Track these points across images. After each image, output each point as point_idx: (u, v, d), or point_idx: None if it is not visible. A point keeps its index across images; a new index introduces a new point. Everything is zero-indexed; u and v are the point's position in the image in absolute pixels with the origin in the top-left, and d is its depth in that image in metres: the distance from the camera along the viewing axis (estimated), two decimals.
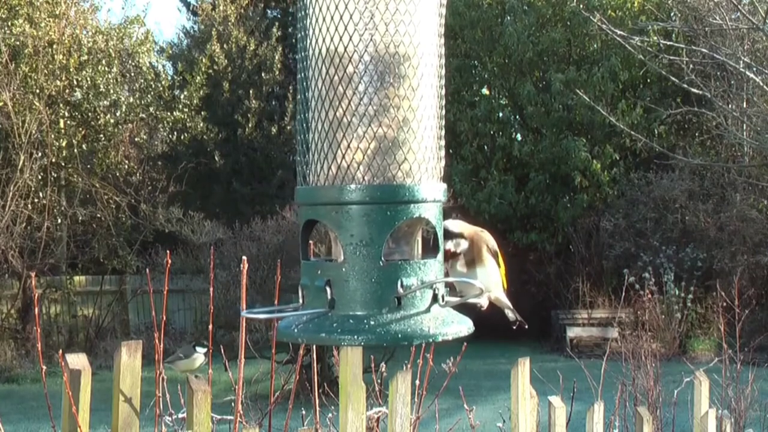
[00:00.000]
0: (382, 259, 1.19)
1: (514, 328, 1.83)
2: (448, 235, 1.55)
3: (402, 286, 1.19)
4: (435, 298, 1.22)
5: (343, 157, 1.20)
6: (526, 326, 1.79)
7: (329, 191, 1.21)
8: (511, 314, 1.82)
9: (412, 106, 1.21)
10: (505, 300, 1.77)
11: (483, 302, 1.56)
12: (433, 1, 1.24)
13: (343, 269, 1.19)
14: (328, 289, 1.19)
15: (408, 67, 1.21)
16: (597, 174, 14.33)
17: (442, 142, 1.27)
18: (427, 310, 1.21)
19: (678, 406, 4.04)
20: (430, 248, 1.28)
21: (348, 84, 1.20)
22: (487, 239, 1.68)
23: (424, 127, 1.23)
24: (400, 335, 1.17)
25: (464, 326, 1.23)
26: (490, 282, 1.67)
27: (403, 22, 1.20)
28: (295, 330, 1.21)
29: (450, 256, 1.57)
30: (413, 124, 1.21)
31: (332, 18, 1.20)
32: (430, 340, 1.19)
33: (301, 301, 1.24)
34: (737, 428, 4.60)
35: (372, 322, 1.17)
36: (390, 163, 1.20)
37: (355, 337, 1.17)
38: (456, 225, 1.65)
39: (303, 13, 1.26)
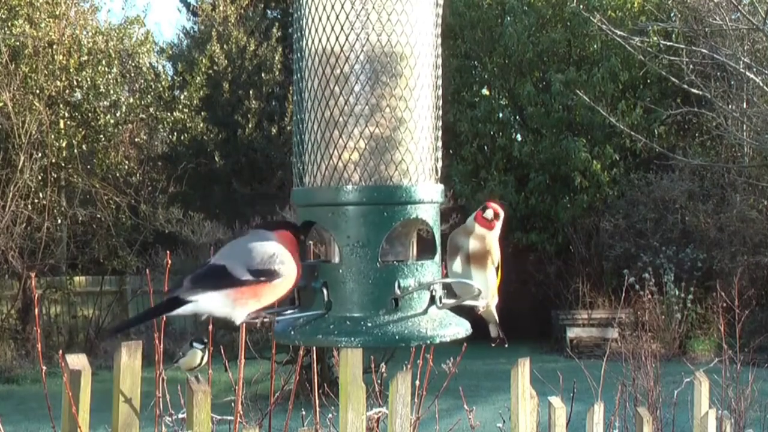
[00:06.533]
0: (379, 260, 1.18)
1: (493, 345, 1.76)
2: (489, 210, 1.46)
3: (399, 287, 1.18)
4: (432, 300, 1.21)
5: (340, 157, 1.19)
6: (506, 345, 1.73)
7: (325, 192, 1.20)
8: (494, 329, 1.76)
9: (409, 106, 1.20)
10: (494, 312, 1.72)
11: (481, 304, 1.53)
12: (429, 1, 1.24)
13: (340, 271, 1.18)
14: (324, 291, 1.18)
15: (404, 66, 1.20)
16: (597, 174, 14.32)
17: (439, 143, 1.26)
18: (425, 312, 1.20)
19: (678, 407, 4.04)
20: (427, 249, 1.27)
21: (344, 83, 1.19)
22: (497, 245, 1.63)
23: (421, 127, 1.22)
24: (397, 337, 1.16)
25: (462, 328, 1.23)
26: (488, 289, 1.63)
27: (399, 21, 1.19)
28: (292, 332, 1.20)
29: (485, 224, 1.48)
30: (409, 124, 1.20)
31: (327, 17, 1.19)
32: (428, 341, 1.18)
33: (297, 302, 1.23)
34: (737, 429, 4.60)
35: (369, 324, 1.17)
36: (386, 163, 1.19)
37: (352, 338, 1.16)
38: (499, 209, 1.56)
39: (299, 12, 1.25)
